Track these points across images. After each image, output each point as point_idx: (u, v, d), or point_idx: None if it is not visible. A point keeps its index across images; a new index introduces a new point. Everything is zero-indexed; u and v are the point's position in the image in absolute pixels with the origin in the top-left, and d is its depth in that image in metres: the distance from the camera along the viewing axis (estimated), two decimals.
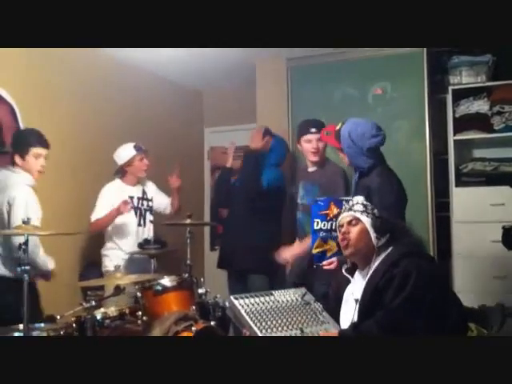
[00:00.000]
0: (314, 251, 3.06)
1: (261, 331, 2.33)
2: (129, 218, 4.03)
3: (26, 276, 2.52)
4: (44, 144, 3.39)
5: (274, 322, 2.40)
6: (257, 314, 2.42)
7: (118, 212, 3.85)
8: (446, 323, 2.23)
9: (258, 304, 2.49)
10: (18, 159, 3.33)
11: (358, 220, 2.44)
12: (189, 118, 5.82)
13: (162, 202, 4.29)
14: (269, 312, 2.46)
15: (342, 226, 2.49)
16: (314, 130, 3.61)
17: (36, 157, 3.34)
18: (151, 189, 4.28)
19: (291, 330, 2.40)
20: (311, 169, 3.71)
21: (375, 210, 2.48)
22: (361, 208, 2.46)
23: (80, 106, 4.31)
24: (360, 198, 2.54)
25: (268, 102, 4.86)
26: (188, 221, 3.58)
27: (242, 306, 2.44)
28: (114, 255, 3.97)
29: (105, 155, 4.13)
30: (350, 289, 2.48)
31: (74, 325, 2.81)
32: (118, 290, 3.04)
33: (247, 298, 2.51)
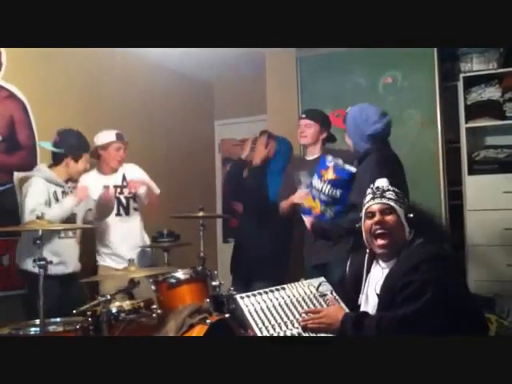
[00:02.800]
0: (305, 202, 3.22)
1: (261, 333, 2.17)
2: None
3: (41, 271, 2.54)
4: (88, 149, 3.67)
5: (279, 320, 2.24)
6: (261, 313, 2.25)
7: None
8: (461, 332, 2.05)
9: (265, 301, 2.31)
10: (70, 162, 3.54)
11: (392, 209, 2.25)
12: (199, 111, 5.82)
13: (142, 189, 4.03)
14: (275, 309, 2.28)
15: (372, 213, 2.28)
16: (303, 115, 3.76)
17: (86, 162, 3.62)
18: (134, 174, 4.03)
19: (297, 328, 2.22)
20: (311, 157, 3.73)
21: (405, 199, 2.31)
22: (393, 196, 2.27)
23: (90, 100, 4.32)
24: (386, 183, 2.35)
25: (278, 93, 4.85)
26: (200, 213, 3.59)
27: (247, 306, 2.27)
28: (102, 251, 3.91)
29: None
30: (371, 281, 2.32)
31: (90, 319, 2.83)
32: (133, 283, 3.06)
33: (254, 296, 2.33)
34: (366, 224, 2.31)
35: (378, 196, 2.30)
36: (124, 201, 3.96)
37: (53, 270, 3.30)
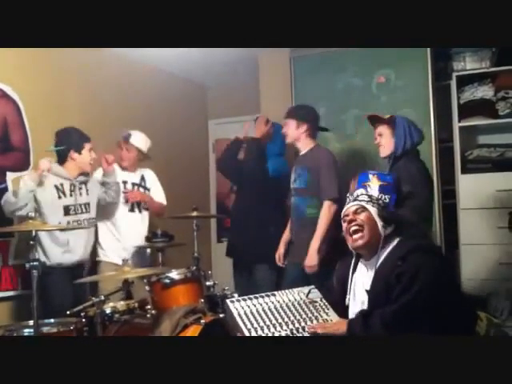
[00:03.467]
0: None
1: (250, 334, 2.22)
2: (119, 205, 4.01)
3: (34, 272, 2.54)
4: (89, 139, 3.68)
5: (268, 323, 2.28)
6: (250, 316, 2.30)
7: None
8: (453, 324, 2.18)
9: (255, 306, 2.36)
10: (74, 155, 3.59)
11: (363, 208, 2.42)
12: (193, 111, 5.82)
13: (155, 197, 4.22)
14: (264, 313, 2.33)
15: (347, 215, 2.46)
16: (285, 114, 3.82)
17: (89, 151, 3.65)
18: (152, 178, 4.24)
19: (285, 330, 2.26)
20: (302, 152, 3.78)
21: (381, 201, 2.49)
22: (366, 198, 2.45)
23: (85, 100, 4.31)
24: (362, 191, 2.51)
25: (271, 93, 4.86)
26: (194, 213, 3.59)
27: (236, 309, 2.32)
28: (108, 246, 3.97)
29: (109, 149, 4.13)
30: (357, 279, 2.45)
31: (84, 320, 2.83)
32: (127, 283, 3.06)
33: (244, 300, 2.39)
34: (344, 227, 2.48)
35: (351, 200, 2.48)
36: None
37: (60, 259, 3.45)
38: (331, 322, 2.37)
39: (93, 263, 3.91)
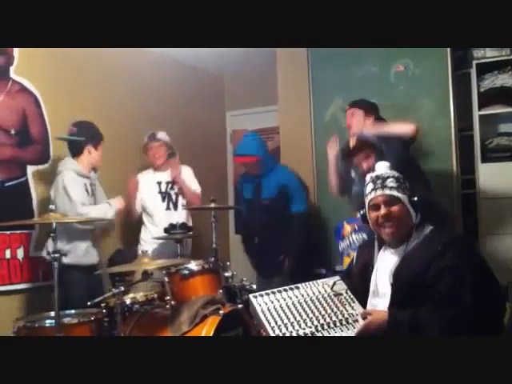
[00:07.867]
0: (345, 267, 3.31)
1: (274, 332, 2.16)
2: (156, 204, 4.12)
3: (55, 263, 2.57)
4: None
5: (292, 320, 2.21)
6: (273, 312, 2.23)
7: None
8: (488, 319, 2.06)
9: (279, 300, 2.29)
10: (91, 149, 3.61)
11: (396, 199, 2.21)
12: (210, 102, 5.82)
13: (190, 187, 4.28)
14: (288, 308, 2.26)
15: (377, 205, 2.25)
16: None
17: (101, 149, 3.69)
18: (185, 173, 4.28)
19: (310, 327, 2.18)
20: None
21: (406, 183, 2.25)
22: (394, 184, 2.22)
23: (103, 93, 4.33)
24: (386, 168, 2.30)
25: (289, 83, 4.83)
26: (212, 205, 3.60)
27: (260, 305, 2.26)
28: (146, 241, 4.09)
29: (128, 142, 4.15)
30: (380, 265, 2.30)
31: (104, 310, 2.86)
32: (146, 275, 3.08)
33: (267, 294, 2.31)
34: (373, 216, 2.29)
35: (379, 187, 2.25)
36: (174, 196, 4.20)
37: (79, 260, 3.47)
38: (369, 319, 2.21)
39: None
